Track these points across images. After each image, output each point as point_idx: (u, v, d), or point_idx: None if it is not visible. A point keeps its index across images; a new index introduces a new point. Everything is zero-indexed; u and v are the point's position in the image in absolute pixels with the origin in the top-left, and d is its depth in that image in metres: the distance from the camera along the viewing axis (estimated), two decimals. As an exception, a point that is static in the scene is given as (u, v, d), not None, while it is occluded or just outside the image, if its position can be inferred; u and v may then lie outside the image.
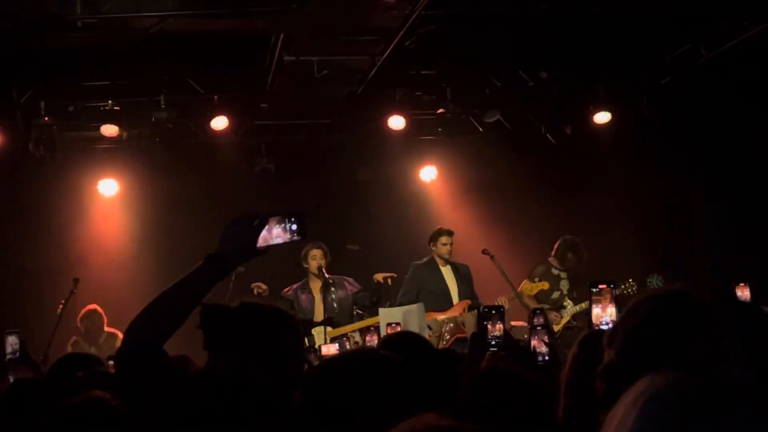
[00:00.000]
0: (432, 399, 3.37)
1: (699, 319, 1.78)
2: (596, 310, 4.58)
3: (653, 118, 12.75)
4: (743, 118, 12.01)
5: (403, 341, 3.91)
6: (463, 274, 10.90)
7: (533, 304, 10.90)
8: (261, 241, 3.03)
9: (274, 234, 3.06)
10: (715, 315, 1.79)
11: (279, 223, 3.07)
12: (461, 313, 10.59)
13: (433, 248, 11.00)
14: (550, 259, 11.29)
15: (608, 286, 4.66)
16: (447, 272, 10.91)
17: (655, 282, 13.16)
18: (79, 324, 11.17)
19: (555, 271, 11.20)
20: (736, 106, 12.00)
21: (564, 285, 11.11)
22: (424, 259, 11.02)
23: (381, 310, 9.95)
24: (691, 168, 12.87)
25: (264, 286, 10.78)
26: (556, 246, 11.32)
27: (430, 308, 10.59)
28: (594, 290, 4.64)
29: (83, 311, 11.22)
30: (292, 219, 3.08)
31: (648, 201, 13.30)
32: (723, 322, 1.78)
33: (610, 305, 4.58)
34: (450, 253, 10.92)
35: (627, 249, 13.36)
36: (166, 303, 2.93)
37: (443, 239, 10.95)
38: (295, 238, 3.08)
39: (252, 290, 10.68)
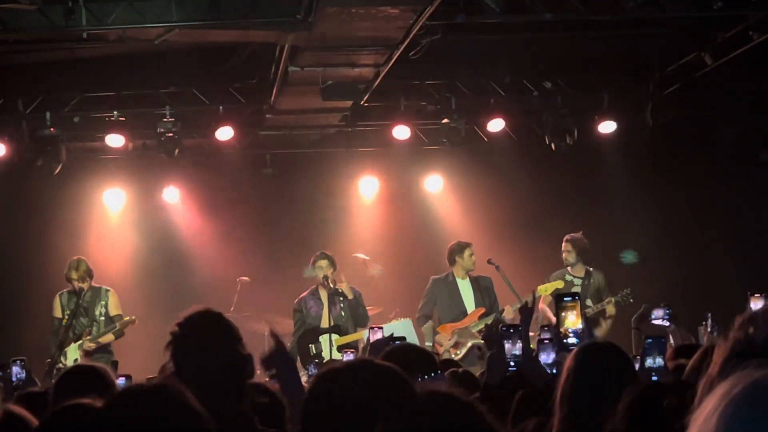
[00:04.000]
0: None
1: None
2: (569, 317, 4.71)
3: (658, 127, 12.75)
4: (748, 126, 12.01)
5: (403, 354, 3.89)
6: (483, 287, 10.88)
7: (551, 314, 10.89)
8: None
9: None
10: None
11: None
12: (475, 322, 10.59)
13: (459, 260, 10.92)
14: (569, 267, 11.25)
15: (574, 299, 4.81)
16: (464, 285, 10.89)
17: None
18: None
19: (569, 277, 11.16)
20: (741, 114, 12.00)
21: (576, 291, 11.07)
22: (443, 274, 11.02)
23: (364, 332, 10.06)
24: (697, 177, 12.85)
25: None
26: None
27: (445, 320, 10.70)
28: (562, 302, 4.76)
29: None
30: None
31: (653, 210, 13.28)
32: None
33: (578, 315, 4.71)
34: (474, 264, 10.93)
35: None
36: None
37: (469, 251, 10.92)
38: None
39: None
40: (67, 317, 10.47)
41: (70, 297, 10.58)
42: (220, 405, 2.96)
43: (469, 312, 10.74)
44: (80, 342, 10.41)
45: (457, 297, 10.81)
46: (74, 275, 10.54)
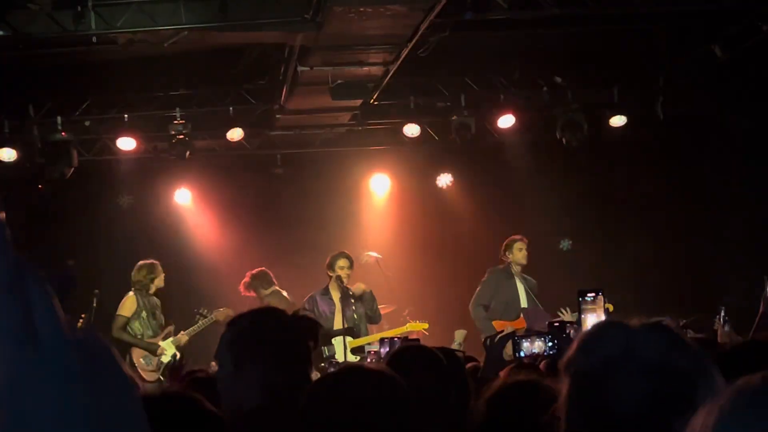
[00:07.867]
0: (437, 417, 3.39)
1: None
2: (590, 318, 4.59)
3: (669, 120, 12.71)
4: (760, 118, 11.96)
5: (410, 357, 3.87)
6: (531, 286, 10.78)
7: None
8: None
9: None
10: None
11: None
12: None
13: (509, 256, 10.82)
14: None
15: (597, 294, 4.64)
16: (519, 282, 10.76)
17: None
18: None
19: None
20: (752, 106, 11.95)
21: None
22: (502, 266, 10.86)
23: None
24: (708, 170, 12.82)
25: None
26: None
27: (499, 316, 10.50)
28: (583, 299, 4.63)
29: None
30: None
31: (665, 204, 13.25)
32: None
33: (600, 315, 4.60)
34: (526, 258, 10.80)
35: (643, 252, 13.32)
36: None
37: (518, 245, 10.80)
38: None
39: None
40: (143, 318, 10.76)
41: (143, 298, 10.89)
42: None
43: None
44: (171, 338, 10.76)
45: (515, 295, 10.65)
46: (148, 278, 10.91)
